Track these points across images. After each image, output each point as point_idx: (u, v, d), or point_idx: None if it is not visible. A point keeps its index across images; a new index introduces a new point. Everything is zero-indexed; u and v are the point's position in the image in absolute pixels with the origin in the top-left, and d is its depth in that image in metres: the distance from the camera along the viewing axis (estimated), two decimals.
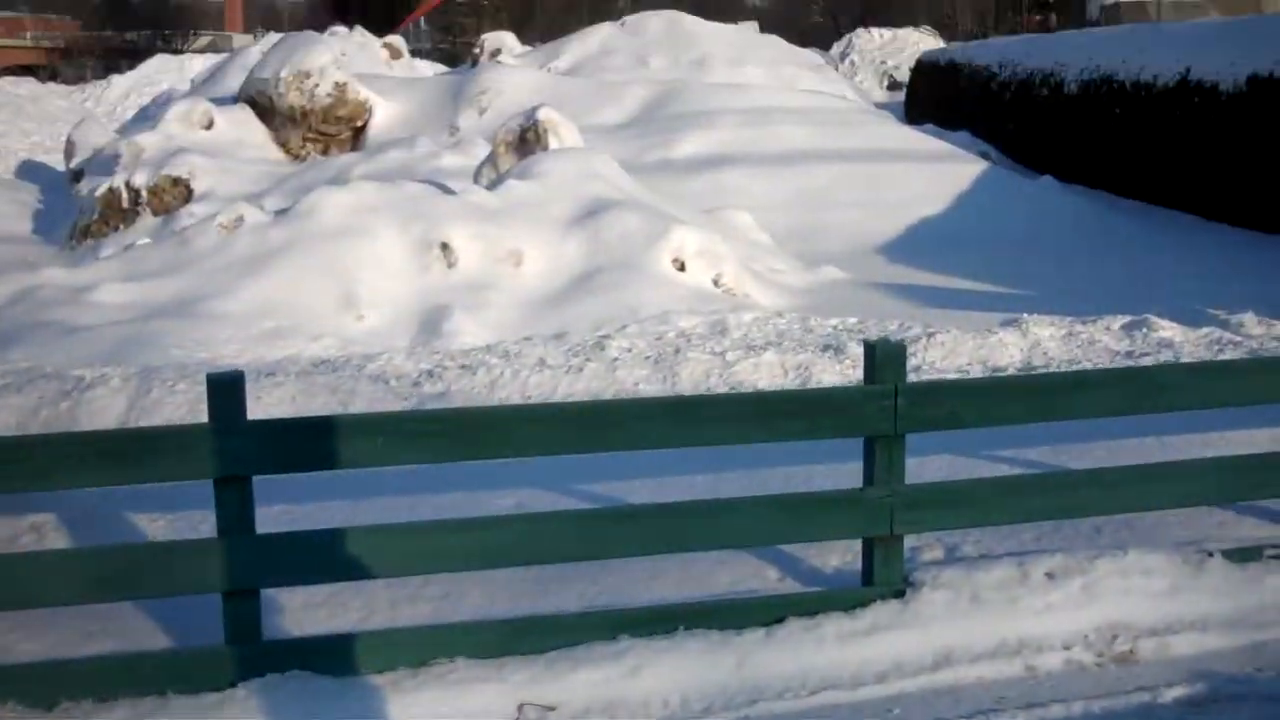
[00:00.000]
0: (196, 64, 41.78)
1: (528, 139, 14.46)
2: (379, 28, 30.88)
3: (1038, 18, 44.79)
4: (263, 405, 7.55)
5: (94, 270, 12.58)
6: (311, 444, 4.34)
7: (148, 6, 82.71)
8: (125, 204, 16.24)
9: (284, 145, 18.78)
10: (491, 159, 14.52)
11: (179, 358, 9.51)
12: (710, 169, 17.45)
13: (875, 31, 47.32)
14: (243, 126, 18.69)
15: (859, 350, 8.76)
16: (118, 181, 16.37)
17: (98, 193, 16.42)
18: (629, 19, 28.81)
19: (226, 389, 4.23)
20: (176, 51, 58.51)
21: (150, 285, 11.54)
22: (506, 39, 29.38)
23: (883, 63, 44.21)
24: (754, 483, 5.85)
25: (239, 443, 4.21)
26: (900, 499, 4.76)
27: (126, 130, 21.67)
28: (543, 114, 14.58)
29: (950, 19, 70.96)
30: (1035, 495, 5.13)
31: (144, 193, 16.35)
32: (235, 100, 19.54)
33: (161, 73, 42.51)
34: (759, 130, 18.50)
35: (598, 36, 27.58)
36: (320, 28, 29.21)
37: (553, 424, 4.66)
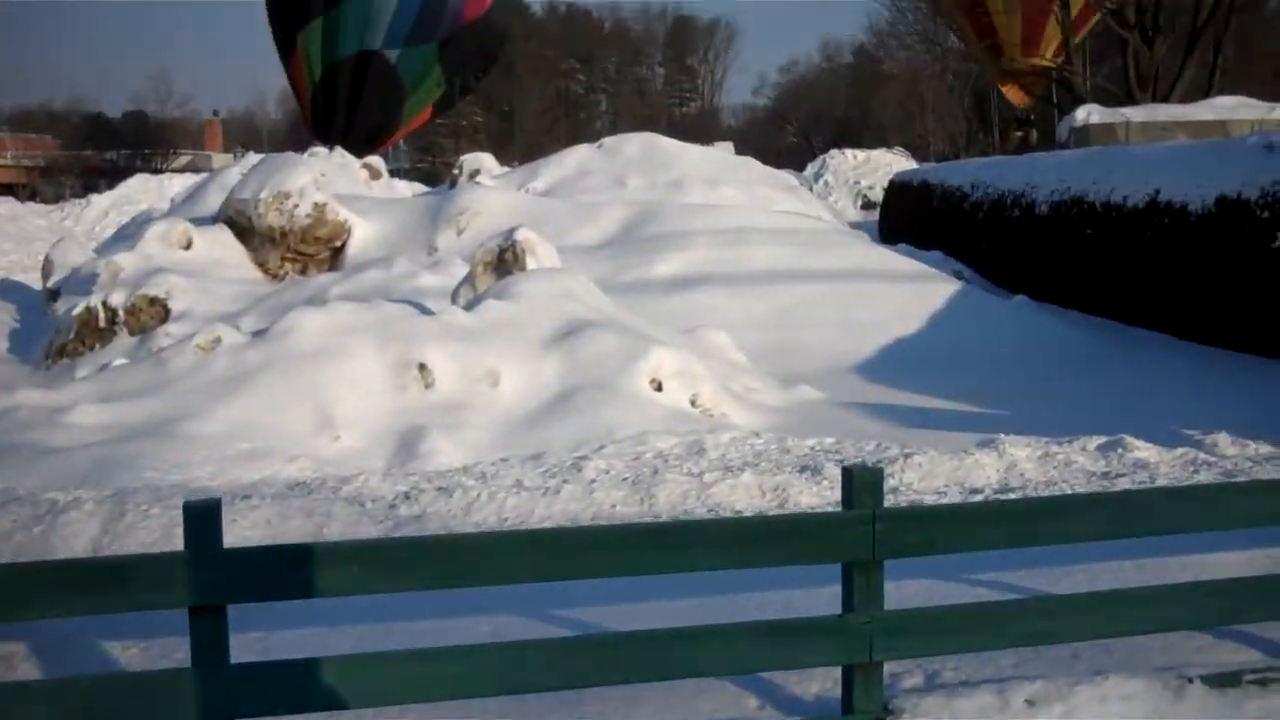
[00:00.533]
0: (176, 183, 42.19)
1: (506, 259, 14.56)
2: (359, 148, 31.19)
3: (1019, 134, 46.00)
4: (238, 529, 7.50)
5: (69, 391, 12.54)
6: (287, 573, 4.31)
7: (128, 126, 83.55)
8: (102, 323, 16.22)
9: (262, 265, 18.85)
10: (469, 279, 14.60)
11: (153, 480, 9.46)
12: (686, 289, 17.58)
13: (849, 152, 48.20)
14: (221, 246, 18.76)
15: (836, 471, 8.79)
16: (95, 301, 16.37)
17: (74, 312, 16.40)
18: (606, 141, 29.21)
19: (203, 517, 4.21)
20: (156, 171, 59.09)
21: (126, 406, 11.50)
22: (485, 160, 29.72)
23: (857, 183, 44.94)
24: (733, 607, 5.82)
25: (214, 572, 4.18)
26: (879, 625, 4.74)
27: (105, 249, 21.74)
28: (521, 235, 14.70)
29: (922, 140, 72.23)
30: (1014, 621, 5.11)
31: (121, 312, 16.34)
32: (214, 220, 19.64)
33: (141, 192, 42.90)
34: (735, 250, 18.68)
35: (575, 158, 27.94)
36: (300, 147, 29.50)
37: (530, 551, 4.64)
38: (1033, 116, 46.21)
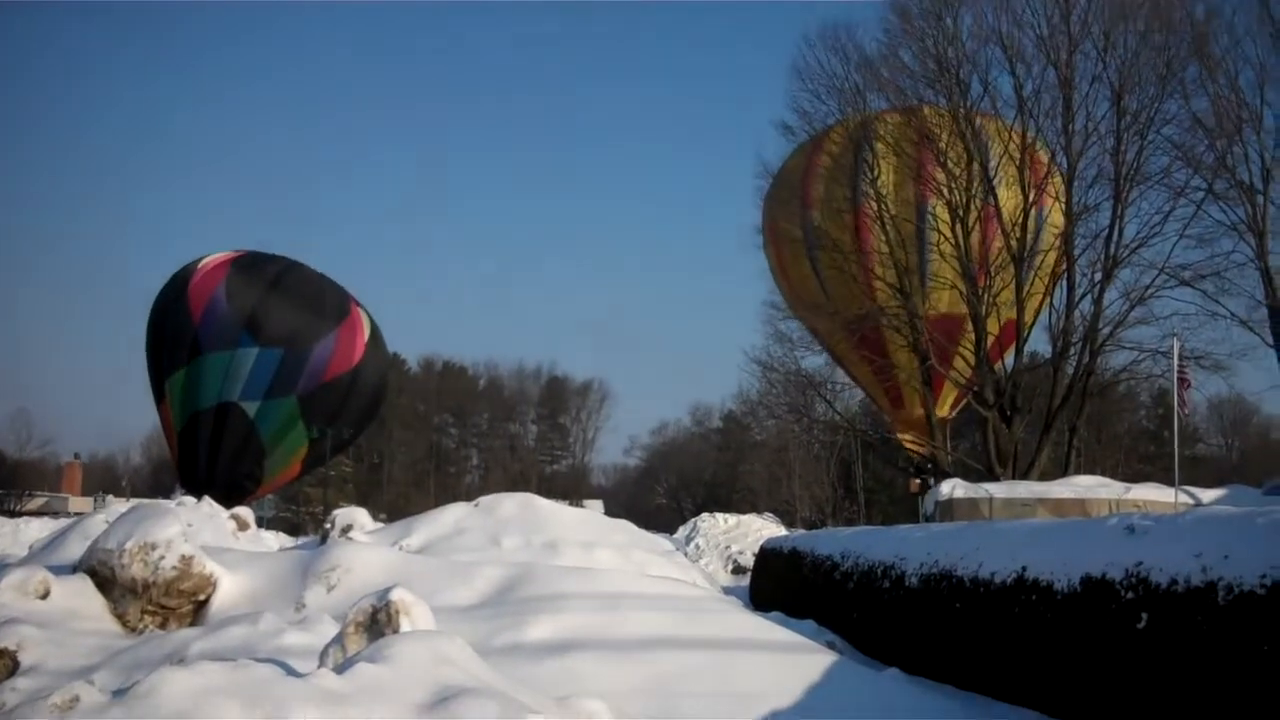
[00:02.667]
0: (33, 527, 41.11)
1: (379, 620, 14.24)
2: (227, 498, 30.90)
3: (918, 480, 48.55)
4: None
5: None
6: None
7: None
8: None
9: (121, 617, 18.22)
10: (340, 639, 14.20)
11: None
12: (561, 654, 17.28)
13: (720, 516, 48.89)
14: (80, 597, 18.15)
15: None
16: None
17: None
18: (483, 500, 29.27)
19: None
20: (11, 513, 57.70)
21: None
22: (358, 515, 29.52)
23: (727, 547, 45.33)
24: None
25: None
26: None
27: None
28: (395, 595, 14.43)
29: (789, 505, 73.63)
30: None
31: None
32: (75, 569, 19.09)
33: None
34: (610, 615, 18.53)
35: (451, 515, 27.88)
36: (163, 493, 29.11)
37: None
38: (930, 465, 48.47)
